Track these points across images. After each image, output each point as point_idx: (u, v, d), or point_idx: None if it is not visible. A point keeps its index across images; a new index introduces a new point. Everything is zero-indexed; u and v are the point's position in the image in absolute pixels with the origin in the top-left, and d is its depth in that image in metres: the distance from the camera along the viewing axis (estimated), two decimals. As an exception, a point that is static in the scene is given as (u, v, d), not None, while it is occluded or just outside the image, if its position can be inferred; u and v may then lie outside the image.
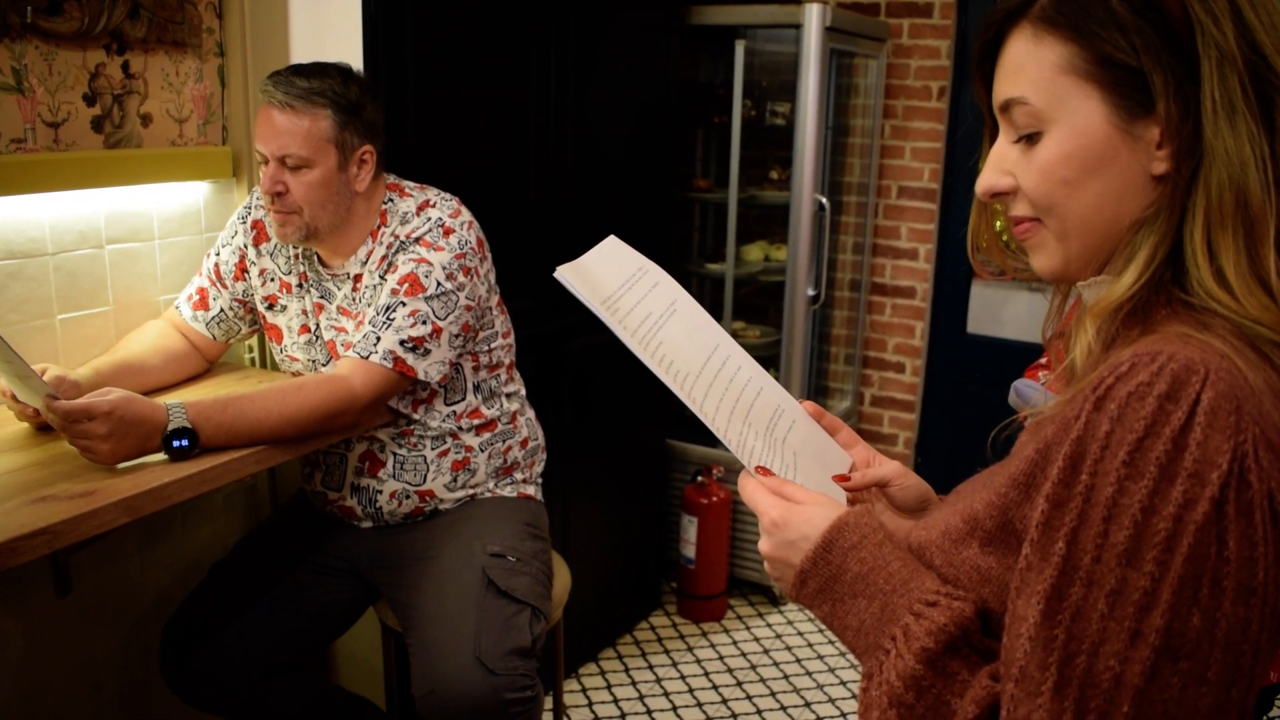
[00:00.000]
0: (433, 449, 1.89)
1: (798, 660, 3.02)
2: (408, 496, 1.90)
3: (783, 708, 2.78)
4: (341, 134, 1.74)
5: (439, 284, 1.75)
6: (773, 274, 3.38)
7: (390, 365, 1.71)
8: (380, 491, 1.89)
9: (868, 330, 3.83)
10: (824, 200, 3.19)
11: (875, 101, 3.56)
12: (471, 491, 1.94)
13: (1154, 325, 0.76)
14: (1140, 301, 0.77)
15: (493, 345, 1.93)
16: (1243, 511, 0.66)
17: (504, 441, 1.97)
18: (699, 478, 3.17)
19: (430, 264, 1.75)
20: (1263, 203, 0.72)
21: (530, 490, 2.02)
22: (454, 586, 1.78)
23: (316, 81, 1.72)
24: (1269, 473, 0.67)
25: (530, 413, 2.07)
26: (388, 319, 1.73)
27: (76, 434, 1.46)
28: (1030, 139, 0.80)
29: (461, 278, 1.78)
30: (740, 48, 3.11)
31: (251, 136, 2.00)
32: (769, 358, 3.42)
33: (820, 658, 3.04)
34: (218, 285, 1.94)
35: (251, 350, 2.21)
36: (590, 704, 2.75)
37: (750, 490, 0.90)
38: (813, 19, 3.00)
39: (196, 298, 1.95)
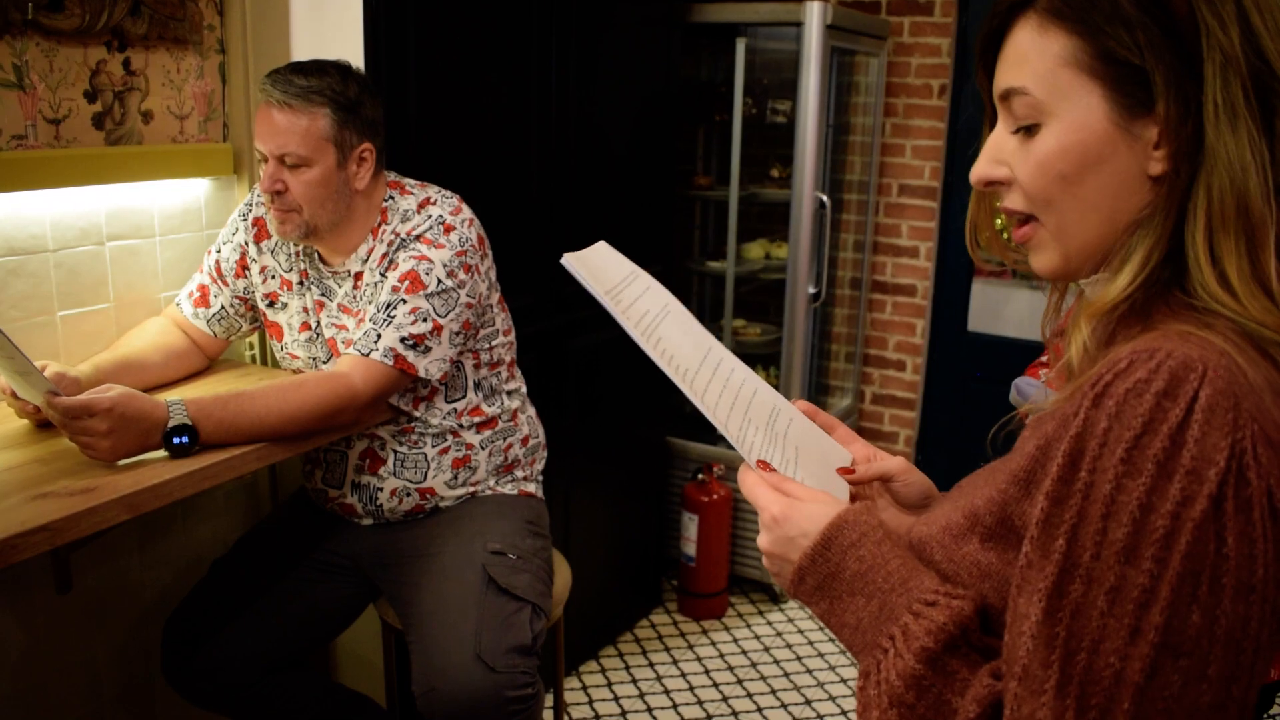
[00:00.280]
0: (433, 446, 1.89)
1: (799, 658, 3.02)
2: (408, 494, 1.90)
3: (783, 705, 2.78)
4: (340, 132, 1.74)
5: (440, 281, 1.75)
6: (773, 272, 3.38)
7: (391, 363, 1.71)
8: (381, 489, 1.90)
9: (868, 328, 3.83)
10: (825, 198, 3.19)
11: (876, 99, 3.56)
12: (472, 489, 1.94)
13: (1155, 323, 0.75)
14: (1138, 302, 0.76)
15: (494, 343, 1.93)
16: (1241, 508, 0.66)
17: (505, 439, 1.97)
18: (699, 475, 3.17)
19: (431, 261, 1.75)
20: (1263, 209, 0.72)
21: (531, 488, 2.02)
22: (454, 584, 1.78)
23: (315, 80, 1.72)
24: (1268, 469, 0.67)
25: (531, 410, 2.07)
26: (388, 316, 1.73)
27: (77, 430, 1.46)
28: (1029, 131, 0.80)
29: (462, 275, 1.78)
30: (741, 45, 3.11)
31: (252, 134, 2.00)
32: (770, 355, 3.43)
33: (821, 655, 3.04)
34: (218, 282, 1.94)
35: (252, 347, 2.21)
36: (591, 701, 2.76)
37: (750, 484, 0.90)
38: (814, 17, 3.00)
39: (197, 295, 1.95)
